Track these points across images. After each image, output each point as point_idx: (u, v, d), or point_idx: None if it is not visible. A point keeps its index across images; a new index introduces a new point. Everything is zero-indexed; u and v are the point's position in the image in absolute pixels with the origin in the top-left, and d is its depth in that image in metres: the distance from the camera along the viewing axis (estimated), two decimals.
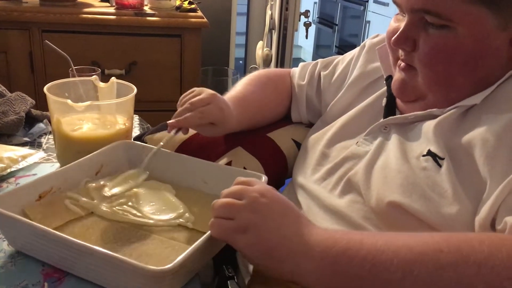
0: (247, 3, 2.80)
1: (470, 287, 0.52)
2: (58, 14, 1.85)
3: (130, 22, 1.92)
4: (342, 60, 1.03)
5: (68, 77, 1.03)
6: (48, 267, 0.67)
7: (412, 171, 0.71)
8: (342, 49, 4.23)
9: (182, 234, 0.73)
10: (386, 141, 0.79)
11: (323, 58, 1.09)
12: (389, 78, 0.85)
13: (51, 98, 0.90)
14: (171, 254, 0.66)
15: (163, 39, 1.99)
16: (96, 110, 0.98)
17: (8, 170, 0.92)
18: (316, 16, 4.87)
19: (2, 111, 1.08)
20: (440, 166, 0.68)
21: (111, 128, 0.96)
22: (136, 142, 0.95)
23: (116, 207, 0.78)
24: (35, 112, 1.15)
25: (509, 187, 0.60)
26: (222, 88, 1.03)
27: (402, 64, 0.78)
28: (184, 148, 0.97)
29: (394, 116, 0.81)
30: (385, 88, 0.87)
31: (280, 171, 1.00)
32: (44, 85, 0.91)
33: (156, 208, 0.78)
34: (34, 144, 1.08)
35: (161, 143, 0.86)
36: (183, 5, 2.05)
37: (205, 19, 2.00)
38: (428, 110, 0.76)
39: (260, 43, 2.37)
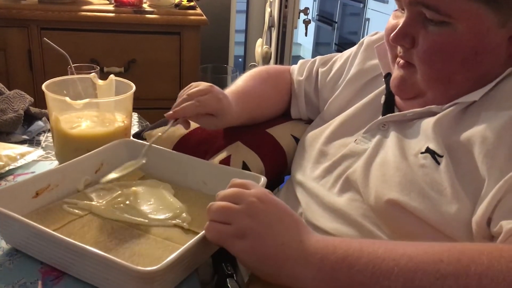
0: (247, 0, 2.79)
1: None
2: (57, 11, 1.85)
3: (129, 19, 1.92)
4: (340, 57, 1.03)
5: (67, 75, 1.03)
6: (46, 265, 0.67)
7: (411, 169, 0.70)
8: (342, 46, 4.22)
9: (177, 235, 0.73)
10: (384, 139, 0.79)
11: (322, 55, 1.09)
12: (387, 76, 0.85)
13: (49, 95, 0.90)
14: (164, 255, 0.65)
15: (162, 37, 1.99)
16: (95, 107, 0.98)
17: (7, 168, 0.92)
18: (316, 13, 4.87)
19: (1, 109, 1.08)
20: (438, 163, 0.68)
21: (110, 125, 0.96)
22: (136, 140, 0.95)
23: (113, 205, 0.77)
24: (33, 110, 1.14)
25: (506, 186, 0.60)
26: (221, 85, 1.03)
27: (401, 61, 0.78)
28: (183, 143, 0.97)
29: (393, 114, 0.81)
30: (383, 86, 0.87)
31: (280, 166, 1.00)
32: (43, 83, 0.91)
33: (153, 207, 0.78)
34: (33, 142, 1.08)
35: (159, 134, 0.86)
36: (182, 2, 2.05)
37: (204, 17, 2.00)
38: (427, 107, 0.76)
39: (259, 41, 2.37)
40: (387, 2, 3.59)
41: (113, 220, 0.75)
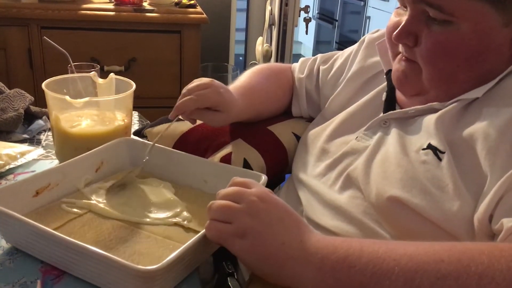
0: None
1: None
2: (57, 10, 1.85)
3: (129, 18, 1.92)
4: (341, 55, 1.03)
5: (67, 73, 1.03)
6: (46, 264, 0.66)
7: (412, 165, 0.70)
8: (342, 45, 4.22)
9: (178, 233, 0.72)
10: (386, 136, 0.78)
11: (323, 54, 1.08)
12: (389, 73, 0.84)
13: (49, 94, 0.90)
14: (165, 254, 0.65)
15: (162, 35, 1.99)
16: (95, 106, 0.98)
17: (7, 167, 0.92)
18: (316, 11, 4.86)
19: (1, 108, 1.08)
20: (440, 159, 0.68)
21: (110, 124, 0.96)
22: (137, 139, 0.95)
23: (114, 204, 0.77)
24: (34, 109, 1.14)
25: (508, 183, 0.60)
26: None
27: (403, 57, 0.77)
28: (184, 140, 0.97)
29: (394, 111, 0.81)
30: (385, 83, 0.87)
31: (281, 164, 1.00)
32: (43, 82, 0.91)
33: (153, 206, 0.78)
34: (33, 141, 1.08)
35: (161, 133, 0.85)
36: (182, 1, 2.05)
37: (204, 15, 1.99)
38: (429, 104, 0.76)
39: (260, 39, 2.37)
40: (388, 0, 3.59)
41: (114, 219, 0.75)
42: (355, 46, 1.00)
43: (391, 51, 0.82)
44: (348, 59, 0.99)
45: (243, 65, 3.07)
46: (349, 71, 0.96)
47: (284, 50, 2.18)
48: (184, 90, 0.88)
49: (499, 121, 0.65)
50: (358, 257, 0.56)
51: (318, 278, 0.57)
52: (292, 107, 1.07)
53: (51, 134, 1.09)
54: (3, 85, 1.19)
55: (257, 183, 0.66)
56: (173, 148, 0.95)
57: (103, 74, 0.99)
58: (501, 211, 0.60)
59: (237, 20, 2.74)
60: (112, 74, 0.98)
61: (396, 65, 0.79)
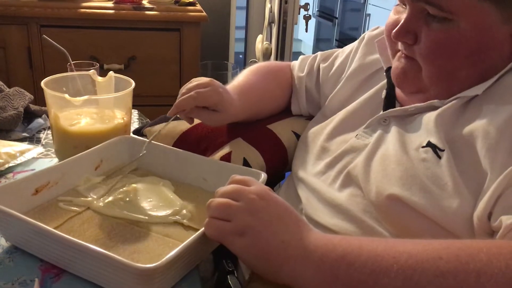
0: None
1: None
2: (56, 8, 1.85)
3: (128, 16, 1.91)
4: (342, 52, 1.02)
5: (67, 72, 1.03)
6: (46, 262, 0.66)
7: (412, 163, 0.70)
8: (343, 42, 4.21)
9: (177, 231, 0.72)
10: (385, 134, 0.78)
11: (323, 51, 1.08)
12: (389, 70, 0.84)
13: (48, 92, 0.89)
14: (164, 252, 0.65)
15: (162, 33, 1.98)
16: (94, 104, 0.98)
17: (6, 166, 0.92)
18: (316, 9, 4.85)
19: (1, 107, 1.08)
20: (440, 157, 0.68)
21: (109, 122, 0.96)
22: (136, 136, 0.94)
23: (113, 203, 0.77)
24: (33, 107, 1.14)
25: (507, 180, 0.60)
26: (221, 82, 1.03)
27: (403, 54, 0.77)
28: (184, 139, 0.97)
29: (394, 109, 0.81)
30: (384, 80, 0.87)
31: (280, 162, 1.00)
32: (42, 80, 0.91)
33: (153, 204, 0.78)
34: (33, 139, 1.08)
35: (158, 131, 0.85)
36: None
37: (204, 13, 1.99)
38: (429, 102, 0.75)
39: (259, 37, 2.36)
40: None
41: (113, 218, 0.75)
42: (355, 44, 1.00)
43: (390, 48, 0.82)
44: (348, 57, 0.99)
45: (243, 63, 3.07)
46: (349, 69, 0.96)
47: (284, 48, 2.18)
48: (183, 89, 0.88)
49: (499, 119, 0.65)
50: (357, 255, 0.56)
51: (317, 276, 0.56)
52: (291, 105, 1.07)
53: (50, 132, 1.09)
54: (2, 83, 1.19)
55: (257, 181, 0.66)
56: (172, 147, 0.95)
57: (103, 73, 0.99)
58: (500, 208, 0.60)
59: (237, 18, 2.74)
60: (111, 72, 0.98)
61: (396, 63, 0.79)
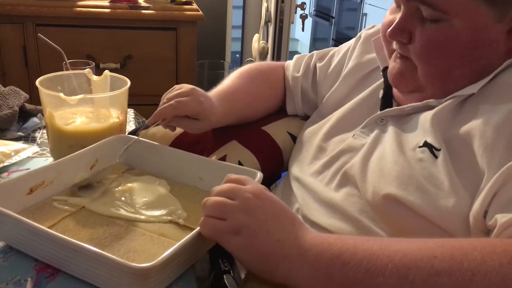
0: None
1: None
2: (52, 7, 1.84)
3: (125, 15, 1.91)
4: (338, 51, 1.02)
5: (62, 71, 1.02)
6: (40, 262, 0.66)
7: (408, 163, 0.70)
8: (339, 42, 4.21)
9: (173, 231, 0.72)
10: (382, 134, 0.78)
11: (319, 50, 1.08)
12: (386, 69, 0.84)
13: (43, 91, 0.89)
14: (160, 251, 0.64)
15: (158, 32, 1.98)
16: (90, 103, 0.97)
17: (1, 165, 0.91)
18: (313, 8, 4.85)
19: None
20: (436, 157, 0.68)
21: (105, 121, 0.95)
22: (131, 136, 0.94)
23: (108, 202, 0.77)
24: (29, 106, 1.14)
25: (502, 178, 0.60)
26: (218, 81, 1.02)
27: (398, 54, 0.77)
28: (179, 142, 0.97)
29: (391, 108, 0.81)
30: (381, 79, 0.87)
31: (276, 164, 0.99)
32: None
33: (148, 204, 0.77)
34: (28, 138, 1.08)
35: (137, 137, 0.85)
36: None
37: (200, 12, 1.99)
38: (425, 101, 0.75)
39: (256, 36, 2.36)
40: None
41: (108, 217, 0.74)
42: (351, 42, 1.00)
43: (386, 48, 0.82)
44: (345, 55, 0.99)
45: (240, 63, 3.06)
46: (346, 68, 0.96)
47: (280, 47, 2.18)
48: (163, 98, 0.87)
49: (496, 118, 0.65)
50: (352, 254, 0.56)
51: (312, 275, 0.56)
52: (286, 106, 1.06)
53: (45, 131, 1.08)
54: None
55: (252, 180, 0.66)
56: (168, 146, 0.94)
57: (99, 72, 0.99)
58: (496, 206, 0.60)
59: (234, 17, 2.73)
60: (106, 71, 0.98)
61: (392, 63, 0.79)
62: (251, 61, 2.25)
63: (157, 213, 0.75)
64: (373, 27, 0.98)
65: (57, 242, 0.62)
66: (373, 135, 0.79)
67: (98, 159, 0.86)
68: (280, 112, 1.07)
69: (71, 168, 0.81)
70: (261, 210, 0.61)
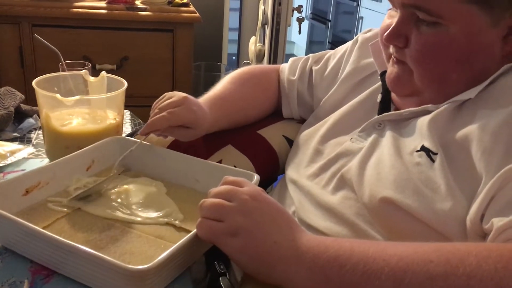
0: None
1: None
2: (49, 8, 1.83)
3: (121, 16, 1.91)
4: (334, 54, 1.02)
5: (59, 72, 1.02)
6: (36, 264, 0.66)
7: (406, 167, 0.70)
8: (335, 45, 4.21)
9: (169, 233, 0.72)
10: (380, 138, 0.78)
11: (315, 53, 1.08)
12: (384, 74, 0.85)
13: (39, 92, 0.89)
14: (156, 253, 0.64)
15: (155, 34, 1.98)
16: (86, 104, 0.97)
17: None
18: (309, 11, 4.87)
19: None
20: (433, 161, 0.68)
21: (101, 123, 0.95)
22: (128, 137, 0.94)
23: (105, 204, 0.77)
24: (24, 107, 1.13)
25: (499, 182, 0.60)
26: (214, 83, 1.02)
27: (395, 59, 0.78)
28: (175, 147, 0.96)
29: (389, 113, 0.81)
30: (379, 83, 0.87)
31: (271, 168, 0.99)
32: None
33: (145, 206, 0.77)
34: (24, 139, 1.07)
35: (128, 152, 0.85)
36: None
37: (197, 14, 1.99)
38: (423, 106, 0.76)
39: (252, 39, 2.36)
40: (381, 1, 3.60)
41: (105, 218, 0.74)
42: (348, 45, 1.00)
43: (384, 52, 0.82)
44: (342, 58, 0.99)
45: (236, 65, 3.07)
46: (343, 72, 0.96)
47: (277, 50, 2.18)
48: (155, 108, 0.86)
49: (494, 123, 0.65)
50: (348, 257, 0.56)
51: (309, 277, 0.56)
52: (282, 109, 1.06)
53: (41, 132, 1.08)
54: None
55: (249, 182, 0.66)
56: (165, 148, 0.94)
57: (95, 73, 0.99)
58: (492, 210, 0.60)
59: (230, 19, 2.74)
60: (103, 72, 0.97)
61: (390, 68, 0.80)
62: (248, 64, 2.25)
63: (153, 215, 0.75)
64: (369, 30, 0.98)
65: (53, 244, 0.61)
66: (370, 139, 0.79)
67: (94, 161, 0.85)
68: (275, 115, 1.07)
69: (67, 170, 0.81)
70: (258, 212, 0.61)
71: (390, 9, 0.79)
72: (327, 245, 0.58)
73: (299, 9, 2.28)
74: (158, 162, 0.87)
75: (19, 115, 1.12)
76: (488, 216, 0.61)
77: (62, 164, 0.80)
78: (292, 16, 2.20)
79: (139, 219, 0.74)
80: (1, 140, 1.02)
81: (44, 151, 0.99)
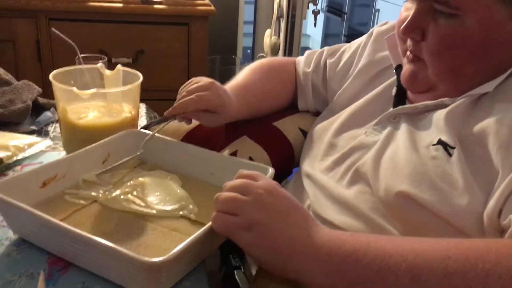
0: None
1: None
2: (66, 2, 1.85)
3: (137, 10, 1.92)
4: (349, 48, 1.02)
5: (75, 65, 1.03)
6: (53, 255, 0.67)
7: (422, 161, 0.69)
8: (351, 38, 4.18)
9: (184, 226, 0.72)
10: (395, 131, 0.78)
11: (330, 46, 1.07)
12: (399, 68, 0.84)
13: (56, 85, 0.90)
14: (171, 246, 0.64)
15: (170, 27, 1.98)
16: (102, 98, 0.98)
17: (14, 158, 0.92)
18: (325, 4, 4.83)
19: (9, 100, 1.08)
20: (450, 155, 0.67)
21: (117, 116, 0.96)
22: (143, 130, 0.94)
23: (120, 196, 0.77)
24: (42, 100, 1.15)
25: None
26: (229, 77, 1.02)
27: (410, 55, 0.77)
28: (190, 138, 0.97)
29: (404, 106, 0.80)
30: (394, 77, 0.86)
31: (287, 160, 0.99)
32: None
33: (160, 198, 0.78)
34: (41, 132, 1.08)
35: (160, 128, 0.85)
36: None
37: (212, 7, 1.99)
38: (439, 100, 0.75)
39: (268, 32, 2.35)
40: None
41: (120, 211, 0.75)
42: (363, 39, 0.99)
43: (400, 47, 0.81)
44: (356, 52, 0.98)
45: (251, 58, 3.06)
46: (357, 65, 0.95)
47: (292, 43, 2.17)
48: (182, 91, 0.87)
49: (511, 117, 0.64)
50: (365, 252, 0.55)
51: (324, 272, 0.56)
52: (298, 102, 1.06)
53: (58, 125, 1.09)
54: (11, 76, 1.19)
55: (264, 176, 0.66)
56: (180, 141, 0.94)
57: (111, 66, 0.99)
58: (510, 206, 0.59)
59: (245, 12, 2.73)
60: (119, 66, 0.98)
61: (405, 66, 0.79)
62: (263, 57, 2.24)
63: (168, 208, 0.75)
64: (385, 23, 0.97)
65: (70, 236, 0.62)
66: (385, 132, 0.79)
67: (110, 154, 0.86)
68: (291, 108, 1.07)
69: (84, 162, 0.82)
70: (274, 206, 0.60)
71: (406, 1, 0.78)
72: (343, 239, 0.58)
73: (314, 1, 2.26)
74: (173, 155, 0.87)
75: (37, 109, 1.13)
76: (506, 212, 0.60)
77: (78, 157, 0.81)
78: (308, 8, 2.19)
79: (154, 212, 0.74)
80: (19, 133, 1.03)
81: (61, 144, 1.00)
